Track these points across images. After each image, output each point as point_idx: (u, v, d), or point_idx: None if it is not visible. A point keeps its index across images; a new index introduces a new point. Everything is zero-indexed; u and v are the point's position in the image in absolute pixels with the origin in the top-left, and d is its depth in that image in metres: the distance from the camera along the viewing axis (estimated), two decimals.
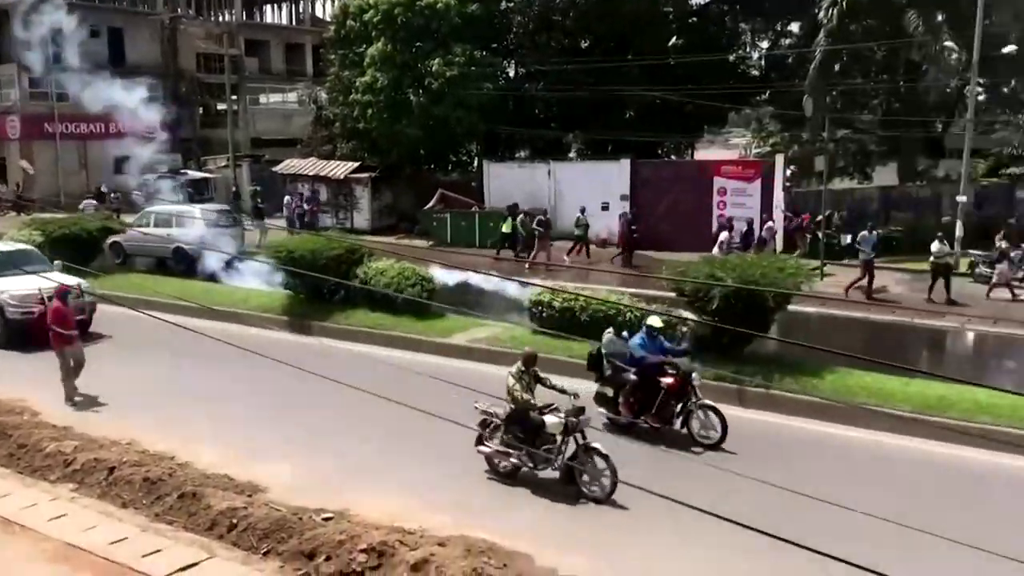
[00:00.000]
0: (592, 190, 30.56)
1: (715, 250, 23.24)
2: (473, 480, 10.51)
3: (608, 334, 12.52)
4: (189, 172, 40.52)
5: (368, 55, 34.08)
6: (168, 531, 9.09)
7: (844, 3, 28.91)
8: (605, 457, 9.82)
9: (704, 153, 44.90)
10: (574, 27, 36.01)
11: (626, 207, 29.74)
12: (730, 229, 25.40)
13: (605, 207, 30.40)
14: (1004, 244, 23.66)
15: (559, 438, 10.06)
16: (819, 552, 4.87)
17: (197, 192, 36.70)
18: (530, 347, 11.11)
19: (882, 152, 36.12)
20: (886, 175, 35.67)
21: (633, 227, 27.26)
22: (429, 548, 8.22)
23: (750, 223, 26.98)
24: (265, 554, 8.58)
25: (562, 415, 10.06)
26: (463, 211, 32.33)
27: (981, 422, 11.90)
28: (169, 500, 9.64)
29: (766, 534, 5.17)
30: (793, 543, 5.01)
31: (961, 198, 25.81)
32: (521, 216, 28.12)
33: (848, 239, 26.47)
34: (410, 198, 35.63)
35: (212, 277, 23.38)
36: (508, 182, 33.17)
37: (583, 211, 28.68)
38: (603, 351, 12.31)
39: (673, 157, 39.71)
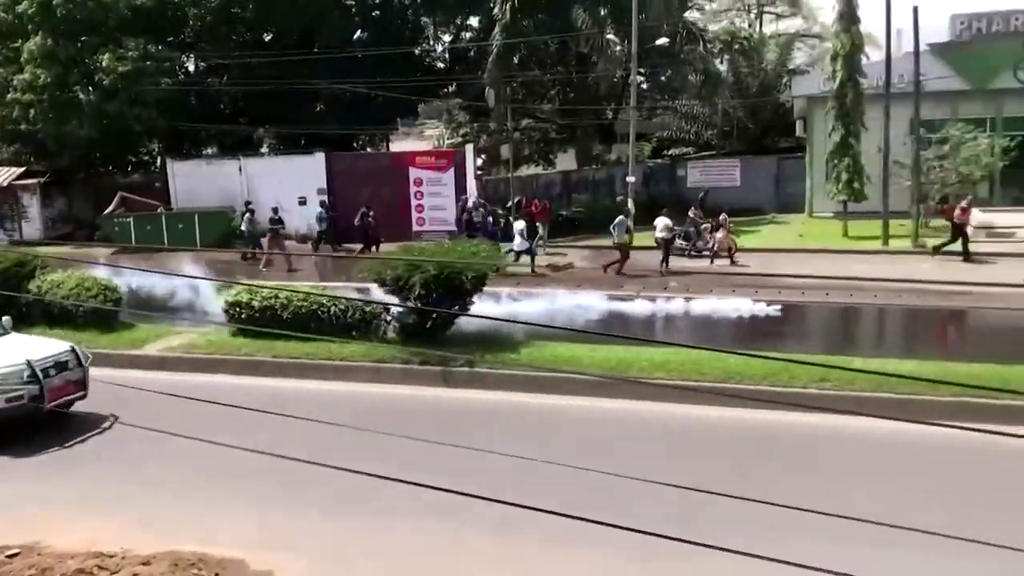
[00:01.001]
0: (288, 185, 30.03)
1: (517, 241, 24.39)
2: (172, 491, 10.04)
3: None
4: None
5: (25, 50, 31.09)
6: None
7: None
8: None
9: (401, 144, 45.53)
10: (255, 20, 35.04)
11: (325, 200, 29.56)
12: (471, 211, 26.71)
13: (302, 202, 29.98)
14: (723, 217, 25.46)
15: None
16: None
17: None
18: None
19: (563, 139, 38.58)
20: (568, 160, 38.18)
21: (372, 218, 27.01)
22: (132, 569, 7.80)
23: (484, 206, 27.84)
24: None
25: None
26: (147, 214, 30.47)
27: (657, 378, 13.22)
28: None
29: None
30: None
31: (631, 178, 28.26)
32: (247, 215, 26.89)
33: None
34: (87, 203, 33.02)
35: None
36: (196, 180, 31.69)
37: (324, 205, 28.06)
38: None
39: (369, 149, 39.98)
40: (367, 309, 15.22)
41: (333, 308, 15.32)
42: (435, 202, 29.27)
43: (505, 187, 29.40)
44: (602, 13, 31.78)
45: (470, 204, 28.07)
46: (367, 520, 9.14)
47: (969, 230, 23.99)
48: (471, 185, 29.53)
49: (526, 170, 37.09)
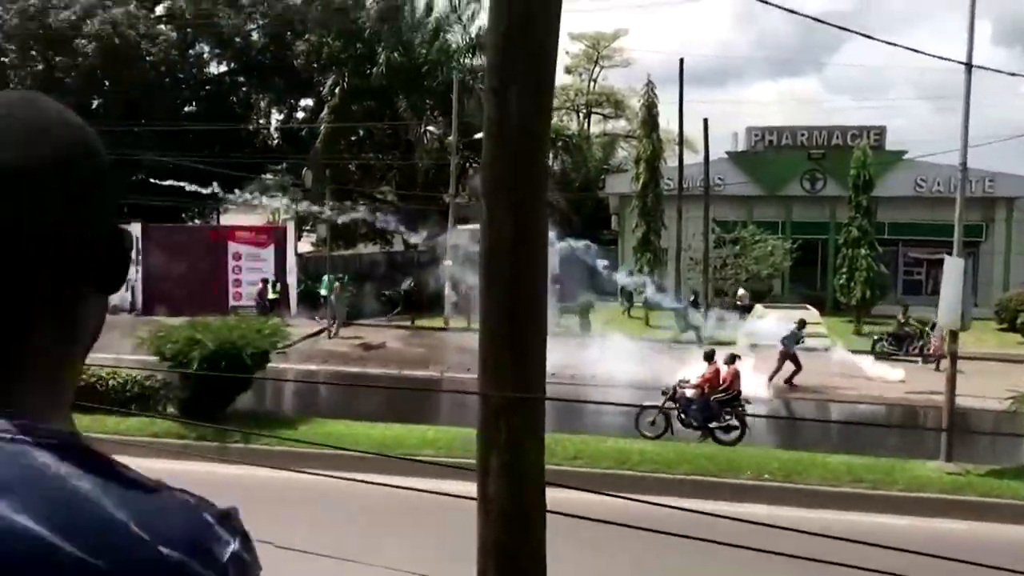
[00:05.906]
0: None
1: None
2: None
3: None
4: None
5: None
6: None
7: (346, 85, 31.41)
8: None
9: (235, 217, 45.11)
10: (80, 86, 34.53)
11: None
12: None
13: None
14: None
15: None
16: None
17: None
18: None
19: (400, 220, 39.32)
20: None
21: None
22: None
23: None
24: None
25: None
26: None
27: (425, 454, 13.78)
28: None
29: None
30: None
31: (447, 262, 29.11)
32: None
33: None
34: None
35: None
36: None
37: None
38: None
39: (197, 221, 39.53)
40: (146, 383, 15.21)
41: (112, 381, 15.21)
42: (253, 277, 29.27)
43: (328, 264, 29.83)
44: (427, 103, 33.01)
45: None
46: None
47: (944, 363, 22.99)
48: (291, 260, 29.81)
49: (364, 249, 37.67)
